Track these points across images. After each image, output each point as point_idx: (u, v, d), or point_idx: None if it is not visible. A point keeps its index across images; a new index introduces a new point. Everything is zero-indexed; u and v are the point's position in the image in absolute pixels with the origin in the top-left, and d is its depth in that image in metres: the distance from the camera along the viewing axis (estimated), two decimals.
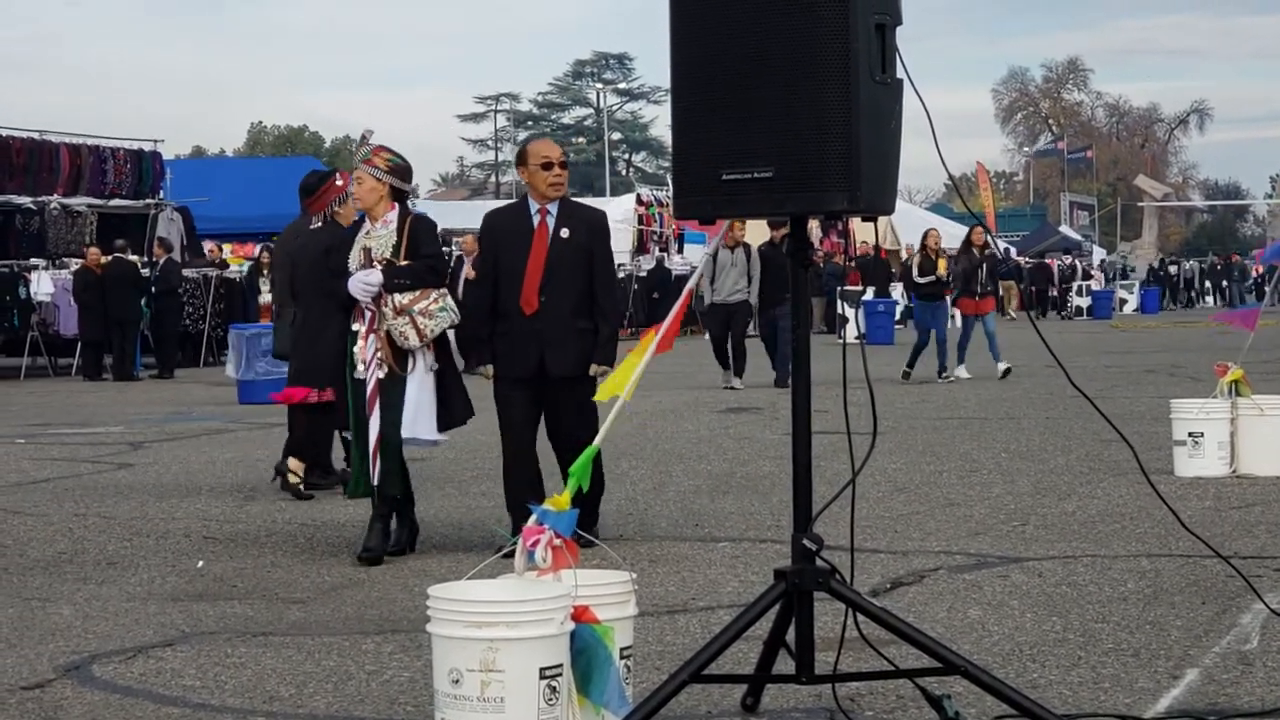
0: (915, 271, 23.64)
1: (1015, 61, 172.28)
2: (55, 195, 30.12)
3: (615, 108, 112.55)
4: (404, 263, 9.04)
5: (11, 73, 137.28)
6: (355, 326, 9.08)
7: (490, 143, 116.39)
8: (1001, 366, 22.71)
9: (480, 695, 4.80)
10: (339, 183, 11.49)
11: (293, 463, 11.93)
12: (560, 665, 4.87)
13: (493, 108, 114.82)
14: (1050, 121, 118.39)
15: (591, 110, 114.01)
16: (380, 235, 9.12)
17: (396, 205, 9.18)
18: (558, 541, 5.03)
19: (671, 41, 5.27)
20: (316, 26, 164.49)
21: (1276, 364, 19.54)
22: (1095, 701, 5.81)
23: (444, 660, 4.90)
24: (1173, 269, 74.15)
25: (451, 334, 9.26)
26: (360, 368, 9.04)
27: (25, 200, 29.47)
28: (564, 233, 9.24)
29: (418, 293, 9.01)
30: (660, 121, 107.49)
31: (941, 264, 23.15)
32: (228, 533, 10.23)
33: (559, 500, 5.07)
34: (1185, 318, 54.40)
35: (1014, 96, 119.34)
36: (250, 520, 10.74)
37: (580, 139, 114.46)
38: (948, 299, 24.20)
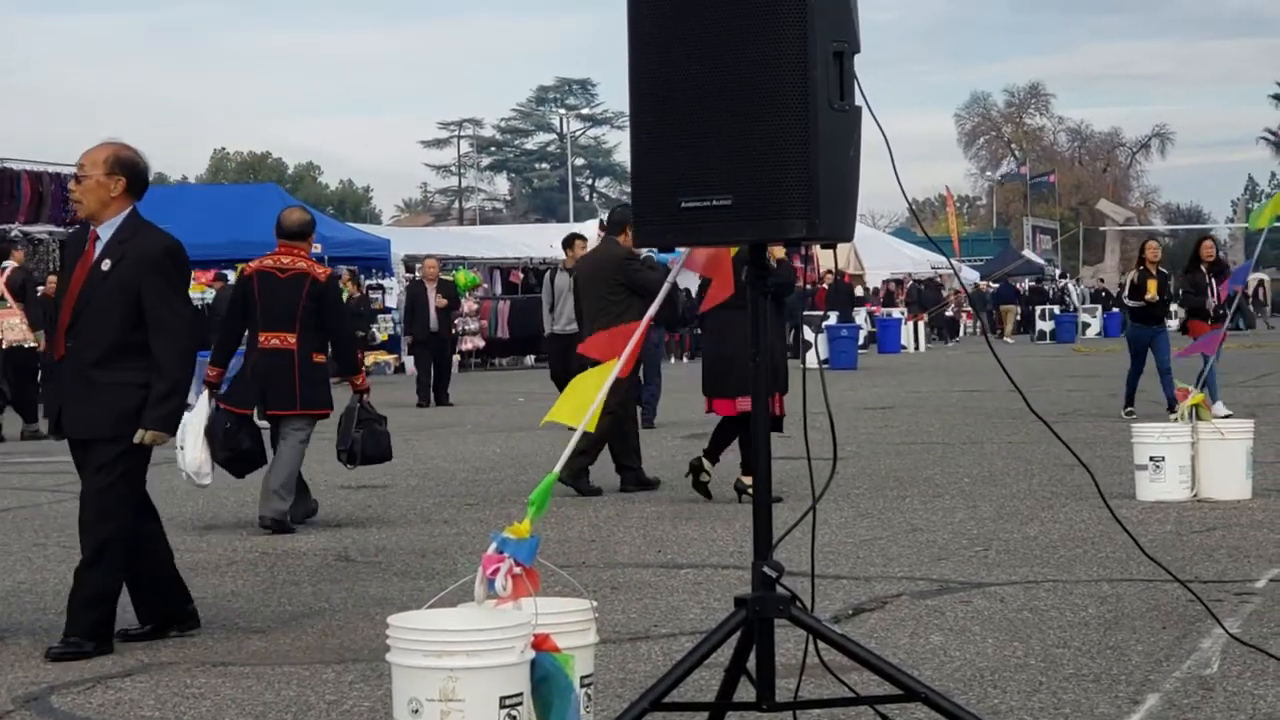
0: (1126, 290, 20.42)
1: (980, 86, 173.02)
2: (16, 223, 30.01)
3: (578, 133, 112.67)
4: None
5: None
6: None
7: (454, 169, 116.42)
8: (1219, 406, 18.27)
9: None
10: None
11: (745, 478, 12.35)
12: (521, 694, 4.85)
13: (456, 134, 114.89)
14: (1013, 146, 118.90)
15: (555, 136, 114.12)
16: None
17: None
18: (518, 570, 5.01)
19: (630, 69, 5.27)
20: (279, 53, 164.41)
21: (1238, 387, 19.64)
22: None
23: (404, 690, 4.88)
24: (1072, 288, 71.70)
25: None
26: None
27: None
28: (105, 265, 7.57)
29: None
30: (624, 147, 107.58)
31: (1152, 286, 19.51)
32: (188, 562, 10.16)
33: (518, 528, 5.05)
34: None
35: (976, 121, 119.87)
36: (210, 549, 10.70)
37: (544, 164, 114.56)
38: (1168, 323, 20.42)
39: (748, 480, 12.34)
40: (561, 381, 20.18)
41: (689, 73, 5.12)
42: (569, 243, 20.28)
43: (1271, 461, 13.96)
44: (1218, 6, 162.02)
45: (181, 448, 11.35)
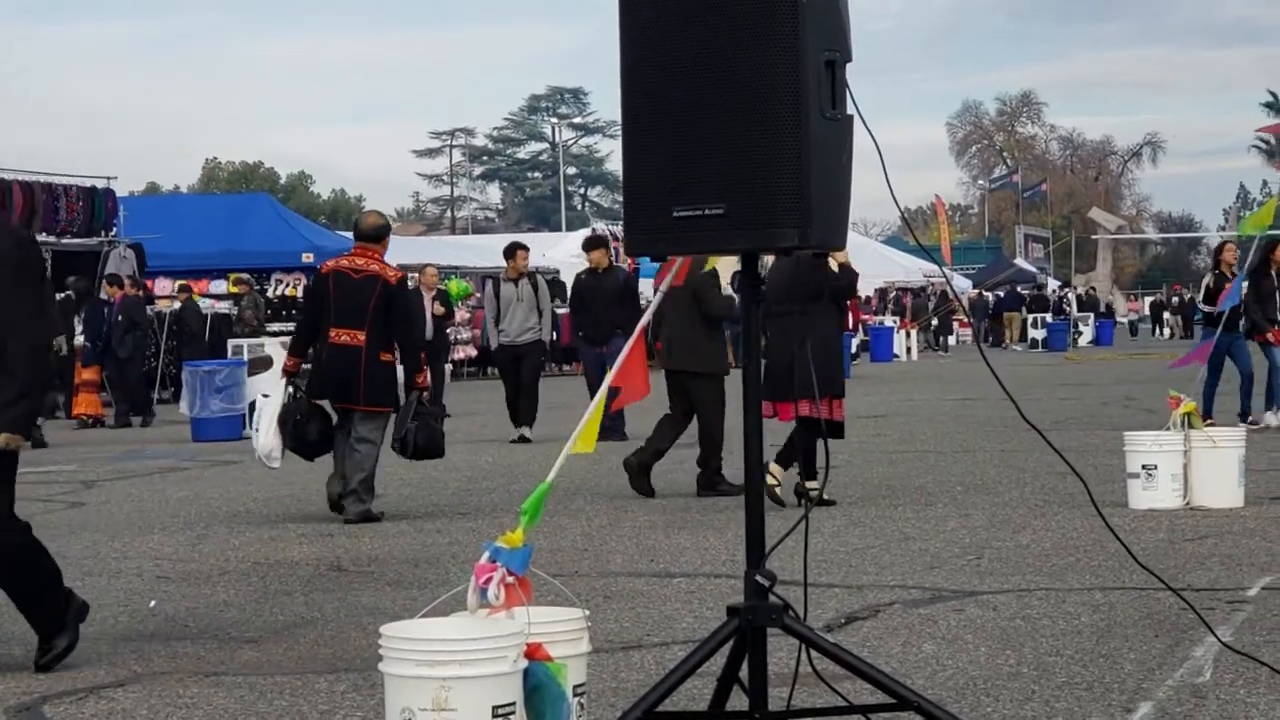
0: (1202, 295, 19.48)
1: (972, 95, 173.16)
2: None
3: (571, 142, 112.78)
4: None
5: None
6: None
7: (446, 178, 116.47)
8: (1273, 418, 18.85)
9: None
10: None
11: (773, 468, 12.36)
12: (513, 703, 4.84)
13: (448, 143, 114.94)
14: (1004, 154, 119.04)
15: (547, 145, 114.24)
16: None
17: None
18: (510, 579, 5.00)
19: (622, 78, 5.26)
20: (271, 63, 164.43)
21: (1230, 396, 19.62)
22: None
23: (396, 699, 4.87)
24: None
25: None
26: None
27: None
28: None
29: None
30: (616, 156, 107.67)
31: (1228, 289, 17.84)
32: (180, 571, 10.17)
33: (511, 537, 5.04)
34: (1141, 349, 54.62)
35: (968, 130, 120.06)
36: (203, 559, 10.69)
37: (536, 173, 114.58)
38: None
39: (810, 484, 12.38)
40: (515, 397, 19.61)
41: (681, 81, 5.12)
42: (510, 253, 19.94)
43: (1264, 470, 13.98)
44: (1210, 16, 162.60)
45: (256, 430, 12.44)
